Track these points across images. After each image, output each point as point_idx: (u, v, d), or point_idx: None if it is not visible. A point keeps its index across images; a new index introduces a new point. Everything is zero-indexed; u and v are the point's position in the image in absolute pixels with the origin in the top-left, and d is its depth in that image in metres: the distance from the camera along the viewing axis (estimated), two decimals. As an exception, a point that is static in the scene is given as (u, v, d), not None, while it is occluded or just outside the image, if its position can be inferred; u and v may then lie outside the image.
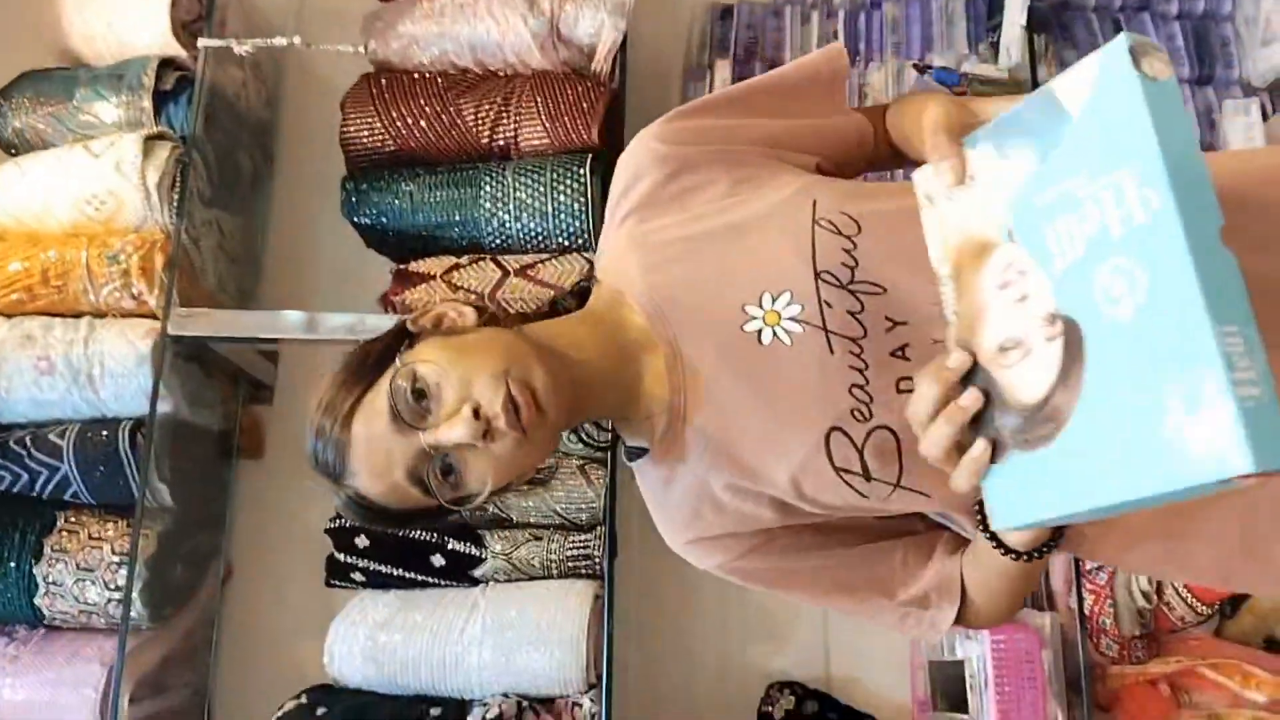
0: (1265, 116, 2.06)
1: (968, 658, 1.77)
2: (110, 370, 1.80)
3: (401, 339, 0.91)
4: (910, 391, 0.78)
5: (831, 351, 0.85)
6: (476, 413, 0.83)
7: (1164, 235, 0.58)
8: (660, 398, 0.92)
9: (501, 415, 0.83)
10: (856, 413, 0.84)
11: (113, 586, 1.76)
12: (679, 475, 0.94)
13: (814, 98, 1.02)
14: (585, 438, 1.03)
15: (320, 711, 1.72)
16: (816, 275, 0.86)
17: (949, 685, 1.85)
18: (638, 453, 0.96)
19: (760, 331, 0.87)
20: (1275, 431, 0.53)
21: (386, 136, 1.96)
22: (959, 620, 0.96)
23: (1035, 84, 1.96)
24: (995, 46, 2.03)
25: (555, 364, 0.88)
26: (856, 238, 0.87)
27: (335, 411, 0.87)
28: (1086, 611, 1.81)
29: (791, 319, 0.86)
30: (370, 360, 0.89)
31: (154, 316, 1.85)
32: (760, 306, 0.87)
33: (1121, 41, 0.61)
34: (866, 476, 0.85)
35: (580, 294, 1.01)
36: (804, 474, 0.87)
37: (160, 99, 1.98)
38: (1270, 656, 1.81)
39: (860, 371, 0.84)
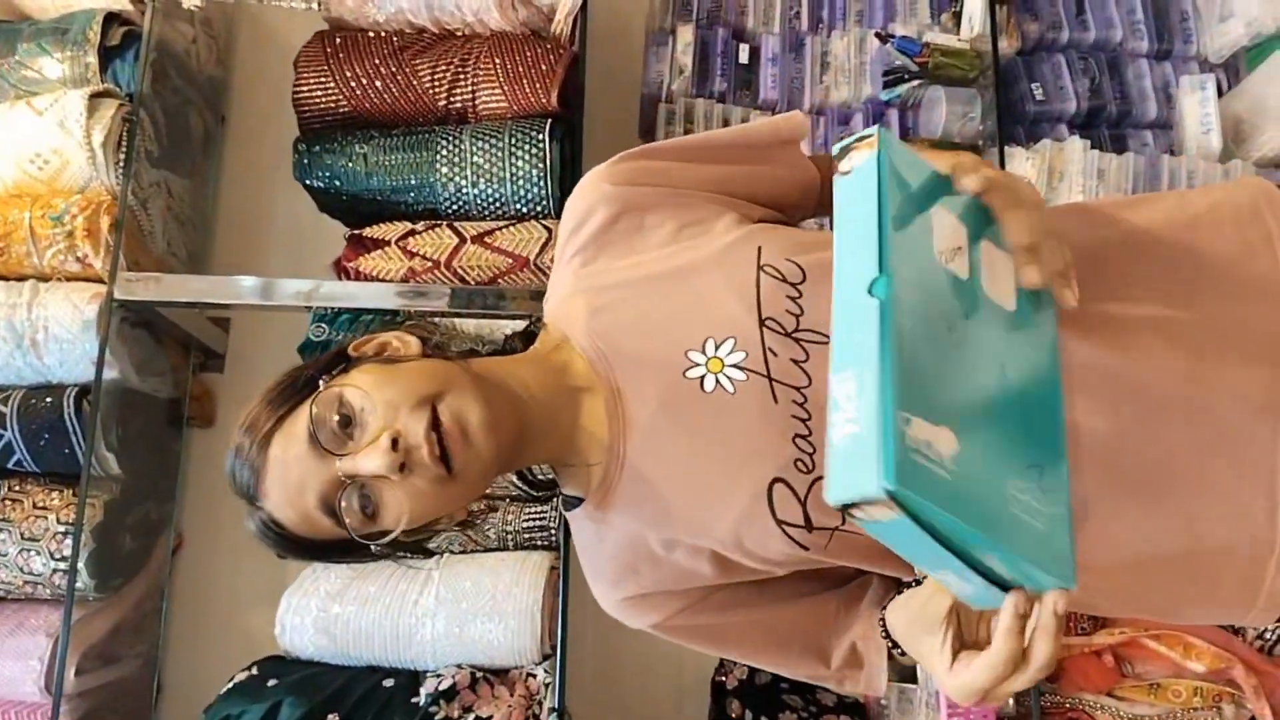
0: (1220, 93, 2.07)
1: (918, 628, 1.79)
2: (55, 335, 1.76)
3: (338, 363, 0.88)
4: None
5: (775, 400, 0.83)
6: (395, 443, 0.79)
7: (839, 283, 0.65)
8: (600, 441, 0.89)
9: (424, 446, 0.79)
10: (800, 463, 0.83)
11: (58, 556, 1.73)
12: (615, 527, 0.91)
13: (769, 151, 1.01)
14: (523, 484, 1.01)
15: (271, 683, 1.70)
16: (761, 322, 0.84)
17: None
18: (575, 502, 0.94)
19: (703, 378, 0.85)
20: (849, 472, 0.57)
21: (340, 97, 1.92)
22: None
23: (996, 54, 1.95)
24: (957, 17, 2.02)
25: (496, 398, 0.85)
26: (801, 285, 0.85)
27: (255, 432, 0.84)
28: (1035, 582, 1.84)
29: (735, 366, 0.84)
30: (300, 382, 0.86)
31: (100, 280, 1.81)
32: (704, 353, 0.85)
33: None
34: (809, 528, 0.84)
35: (527, 336, 0.99)
36: (745, 526, 0.85)
37: (106, 55, 1.92)
38: (1211, 628, 1.85)
39: (804, 421, 0.83)
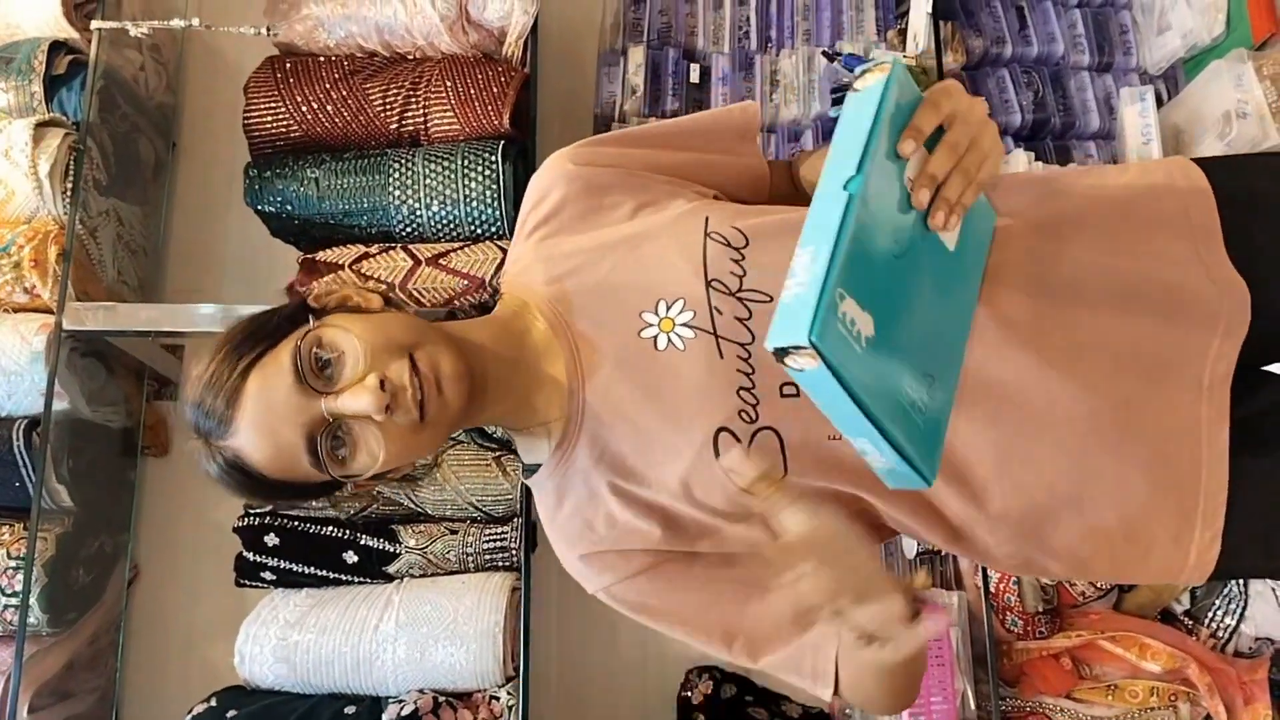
0: (1160, 103, 2.12)
1: (879, 638, 1.80)
2: (2, 367, 1.74)
3: (302, 313, 0.90)
4: (794, 396, 0.84)
5: (721, 356, 0.89)
6: (383, 384, 0.83)
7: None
8: (559, 403, 0.94)
9: (408, 389, 0.84)
10: (743, 414, 0.88)
11: (9, 592, 1.70)
12: (573, 487, 0.95)
13: (724, 140, 1.06)
14: (477, 439, 1.03)
15: (231, 714, 1.68)
16: (708, 284, 0.90)
17: (862, 664, 1.89)
18: (532, 470, 0.98)
19: (656, 338, 0.90)
20: (786, 323, 0.67)
21: (291, 121, 1.92)
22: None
23: (940, 69, 1.99)
24: (903, 34, 2.06)
25: (460, 352, 0.89)
26: (745, 249, 0.91)
27: (231, 365, 0.84)
28: (993, 589, 1.86)
29: (685, 325, 0.90)
30: (270, 326, 0.88)
31: (49, 311, 1.79)
32: (656, 314, 0.91)
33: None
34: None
35: (482, 308, 1.02)
36: (693, 473, 0.89)
37: (52, 83, 1.90)
38: (1165, 628, 1.88)
39: (747, 375, 0.88)
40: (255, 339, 0.87)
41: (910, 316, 0.74)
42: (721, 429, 0.88)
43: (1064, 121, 2.12)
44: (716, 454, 0.88)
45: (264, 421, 0.84)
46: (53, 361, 1.73)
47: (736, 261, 0.90)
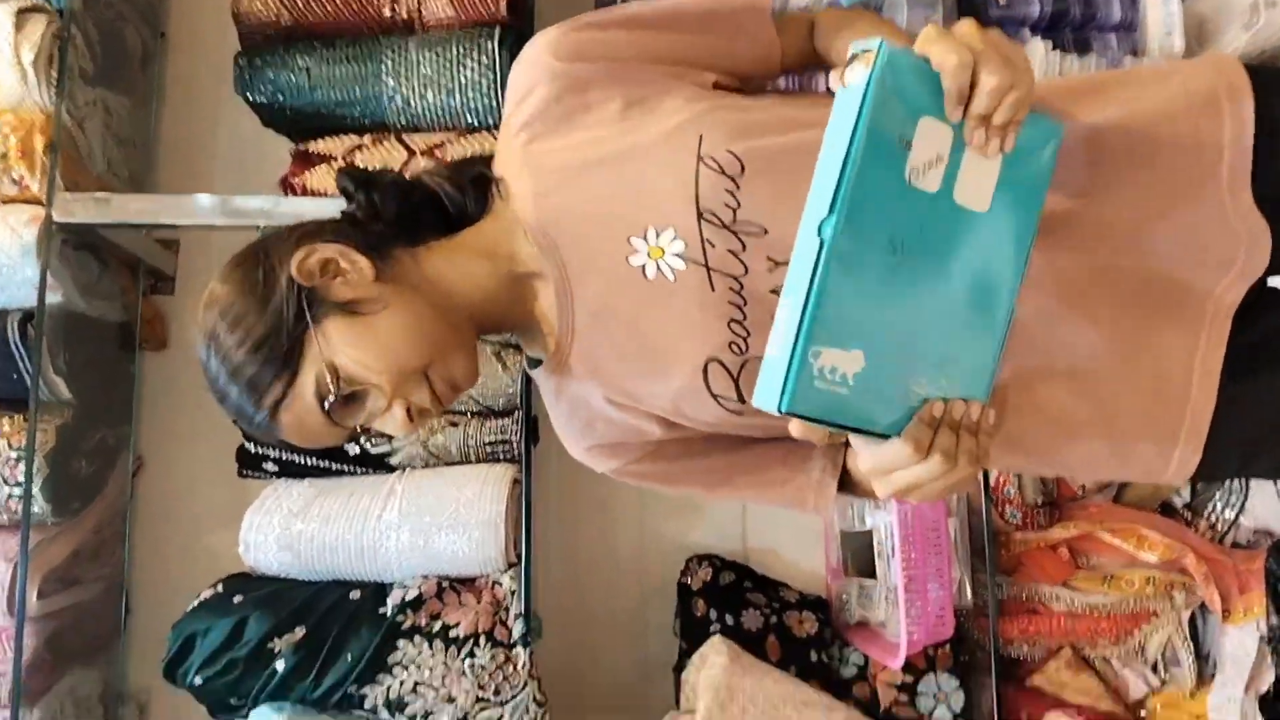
0: (1184, -4, 2.03)
1: (875, 527, 1.81)
2: (-6, 259, 1.72)
3: (302, 301, 0.88)
4: None
5: (712, 288, 0.87)
6: (409, 410, 0.89)
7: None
8: (551, 323, 0.95)
9: (432, 409, 0.91)
10: (734, 345, 0.88)
11: (12, 482, 1.71)
12: (571, 390, 0.98)
13: (731, 19, 0.99)
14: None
15: (237, 599, 1.71)
16: (699, 215, 0.87)
17: (859, 554, 1.91)
18: (536, 362, 0.99)
19: (645, 266, 0.89)
20: (765, 388, 0.69)
21: (282, 9, 1.86)
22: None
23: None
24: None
25: (451, 308, 0.92)
26: (740, 178, 0.86)
27: (256, 402, 0.88)
28: (992, 483, 1.86)
29: (676, 255, 0.88)
30: (280, 345, 0.87)
31: (40, 203, 1.76)
32: (645, 240, 0.89)
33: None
34: (741, 401, 0.90)
35: (479, 181, 0.99)
36: (684, 398, 0.91)
37: (32, -32, 1.84)
38: (1165, 520, 1.89)
39: (739, 308, 0.87)
40: (272, 365, 0.87)
41: (921, 312, 0.72)
42: (711, 359, 0.88)
43: (1084, 13, 2.03)
44: (706, 383, 0.89)
45: (303, 438, 0.91)
46: (44, 253, 1.71)
47: (731, 192, 0.86)
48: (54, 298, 1.74)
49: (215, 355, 0.88)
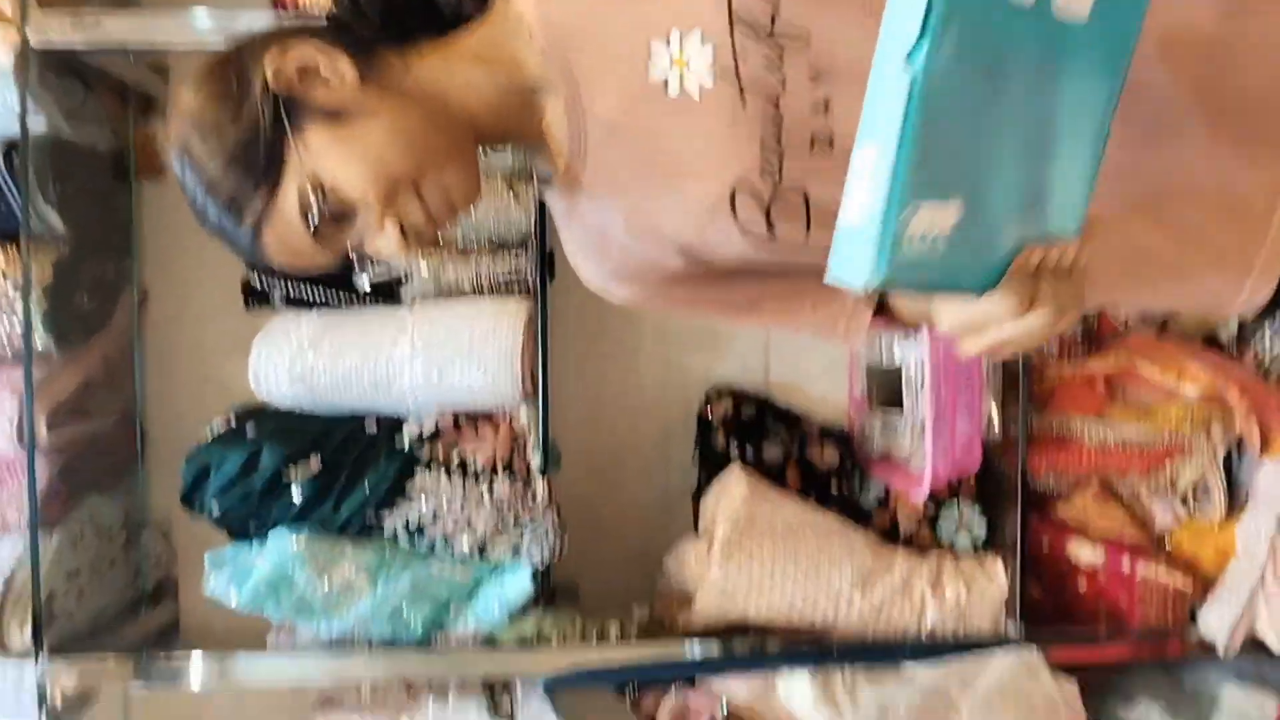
0: None
1: (905, 362, 1.75)
2: (-31, 85, 1.62)
3: (279, 106, 0.80)
4: (828, 149, 0.76)
5: (744, 105, 0.78)
6: (402, 229, 0.82)
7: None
8: (560, 140, 0.87)
9: (426, 229, 0.84)
10: (766, 171, 0.80)
11: (14, 315, 1.67)
12: (584, 213, 0.91)
13: None
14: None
15: (250, 431, 1.69)
16: (731, 21, 0.77)
17: (885, 386, 1.85)
18: (548, 179, 0.92)
19: (667, 80, 0.80)
20: (846, 259, 0.62)
21: None
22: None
23: None
24: None
25: (450, 122, 0.84)
26: None
27: (236, 218, 0.82)
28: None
29: (703, 67, 0.78)
30: (259, 145, 0.80)
31: (13, 23, 1.64)
32: (668, 46, 0.79)
33: None
34: (771, 233, 0.82)
35: None
36: (708, 226, 0.83)
37: None
38: (1209, 352, 1.81)
39: (775, 125, 0.79)
40: (251, 177, 0.80)
41: (1013, 146, 0.64)
42: (739, 185, 0.80)
43: None
44: (734, 212, 0.81)
45: (290, 259, 0.85)
46: (22, 78, 1.61)
47: None
48: (38, 125, 1.65)
49: (189, 168, 0.82)
